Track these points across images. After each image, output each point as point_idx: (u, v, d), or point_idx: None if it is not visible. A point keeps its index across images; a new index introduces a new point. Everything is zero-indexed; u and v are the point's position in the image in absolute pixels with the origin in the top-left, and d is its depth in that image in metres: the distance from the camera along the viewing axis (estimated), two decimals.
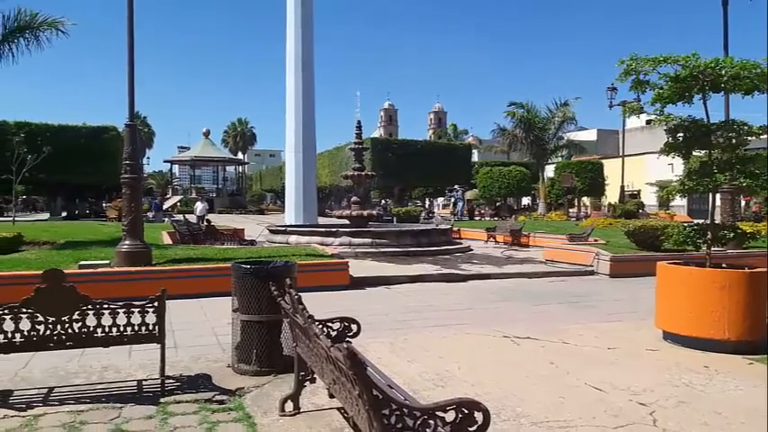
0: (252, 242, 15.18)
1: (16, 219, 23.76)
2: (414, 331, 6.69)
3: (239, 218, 35.41)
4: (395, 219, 28.63)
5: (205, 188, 53.54)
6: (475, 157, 54.67)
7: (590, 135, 60.23)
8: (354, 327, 4.26)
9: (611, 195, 38.47)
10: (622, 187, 33.48)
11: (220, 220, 22.65)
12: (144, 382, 4.54)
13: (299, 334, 3.89)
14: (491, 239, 19.28)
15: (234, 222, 25.16)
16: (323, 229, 16.23)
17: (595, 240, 14.98)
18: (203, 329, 6.71)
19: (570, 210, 36.75)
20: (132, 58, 9.75)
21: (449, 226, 19.44)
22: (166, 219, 26.29)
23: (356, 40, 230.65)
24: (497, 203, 41.22)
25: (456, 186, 36.15)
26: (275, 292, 4.30)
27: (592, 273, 12.02)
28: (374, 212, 18.14)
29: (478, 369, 5.02)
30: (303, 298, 3.72)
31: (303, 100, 19.77)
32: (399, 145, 40.69)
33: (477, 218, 36.21)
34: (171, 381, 4.52)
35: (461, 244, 17.13)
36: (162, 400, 4.16)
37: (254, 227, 22.71)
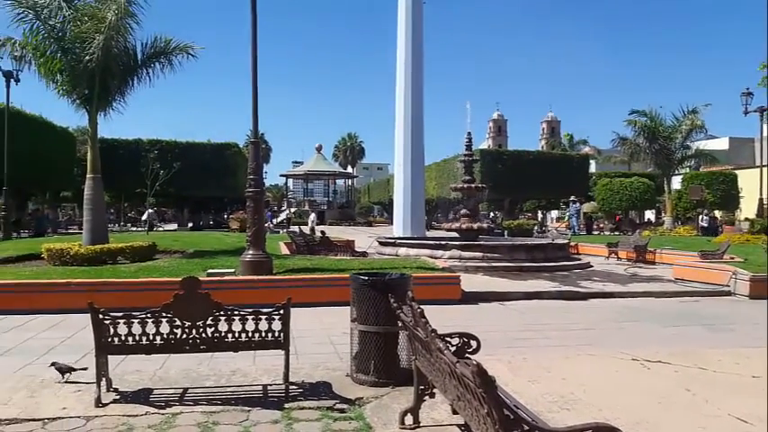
0: (363, 253, 15.46)
1: (148, 229, 25.92)
2: (533, 350, 6.44)
3: (349, 229, 36.31)
4: (506, 232, 27.99)
5: (317, 201, 55.56)
6: (592, 168, 52.24)
7: (721, 144, 55.50)
8: (474, 343, 4.16)
9: (747, 209, 35.09)
10: (761, 200, 30.44)
11: (331, 232, 23.30)
12: (269, 387, 4.72)
13: (419, 347, 3.86)
14: (612, 255, 18.23)
15: (344, 234, 25.81)
16: (432, 242, 16.19)
17: (731, 258, 13.69)
18: (321, 338, 6.88)
19: (701, 224, 33.94)
20: (256, 80, 10.33)
21: (566, 240, 18.64)
22: (281, 230, 27.62)
23: (464, 51, 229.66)
24: (618, 217, 39.05)
25: (573, 198, 34.66)
26: (394, 305, 4.30)
27: (728, 293, 10.99)
28: (485, 225, 17.80)
29: (606, 393, 4.71)
30: None
31: (412, 113, 19.96)
32: (510, 156, 39.74)
33: (595, 232, 34.50)
34: (294, 387, 4.66)
35: (580, 260, 16.35)
36: (286, 405, 4.29)
37: (363, 238, 23.17)
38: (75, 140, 36.89)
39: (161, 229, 33.98)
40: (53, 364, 4.95)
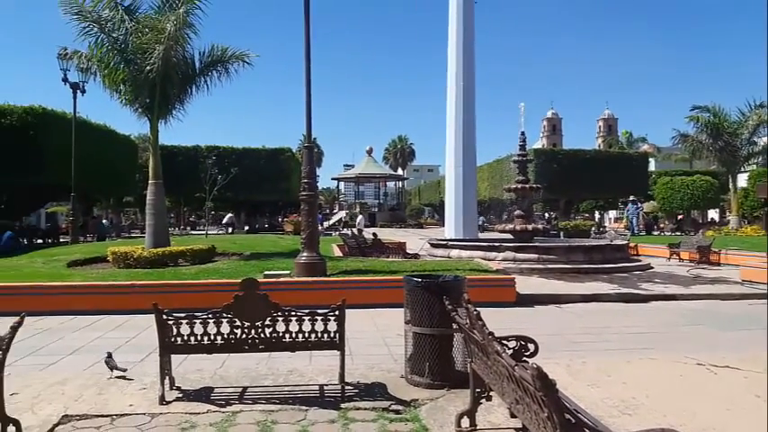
0: (415, 255, 15.45)
1: (207, 232, 26.70)
2: (592, 354, 6.27)
3: (399, 231, 36.34)
4: (562, 234, 27.38)
5: (367, 203, 55.93)
6: (652, 167, 50.44)
7: None
8: (531, 346, 4.09)
9: None
10: None
11: (382, 234, 23.40)
12: (325, 387, 4.78)
13: (476, 350, 3.82)
14: (674, 257, 17.57)
15: (395, 236, 25.87)
16: (485, 244, 16.01)
17: None
18: (375, 339, 6.92)
19: None
20: (309, 86, 10.46)
21: (625, 241, 18.07)
22: (333, 233, 27.87)
23: (516, 50, 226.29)
24: (679, 217, 37.57)
25: (631, 198, 33.54)
26: (449, 307, 4.28)
27: None
28: (540, 227, 17.48)
29: (670, 398, 4.53)
30: None
31: (464, 114, 19.82)
32: (566, 155, 38.77)
33: (655, 232, 33.30)
34: (349, 387, 4.70)
35: (640, 261, 15.83)
36: (342, 405, 4.33)
37: (414, 240, 23.16)
38: (137, 148, 38.43)
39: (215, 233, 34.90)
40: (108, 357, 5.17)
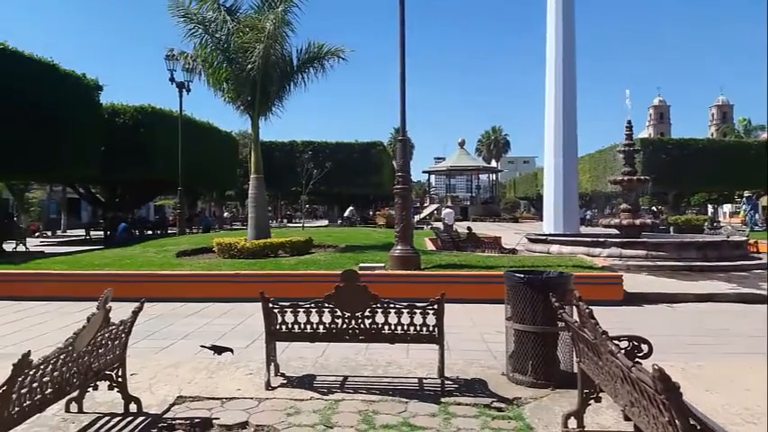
0: (512, 250, 15.07)
1: (304, 225, 27.53)
2: (709, 357, 5.81)
3: (493, 225, 35.69)
4: (671, 228, 25.75)
5: (459, 196, 55.36)
6: None
7: None
8: (645, 347, 3.82)
9: None
10: None
11: (475, 228, 23.04)
12: (424, 381, 4.73)
13: (585, 349, 3.63)
14: None
15: (488, 230, 25.41)
16: (588, 239, 15.32)
17: None
18: (472, 335, 6.79)
19: None
20: (404, 79, 10.44)
21: (744, 238, 16.65)
22: (425, 226, 27.76)
23: (618, 35, 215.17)
24: None
25: (746, 194, 30.90)
26: (556, 304, 4.09)
27: None
28: (648, 221, 16.43)
29: None
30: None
31: (564, 102, 19.02)
32: (675, 144, 36.31)
33: None
34: (449, 382, 4.63)
35: (761, 259, 14.53)
36: (442, 399, 4.27)
37: (510, 235, 22.62)
38: (237, 144, 40.33)
39: (311, 225, 35.94)
40: (213, 347, 5.36)
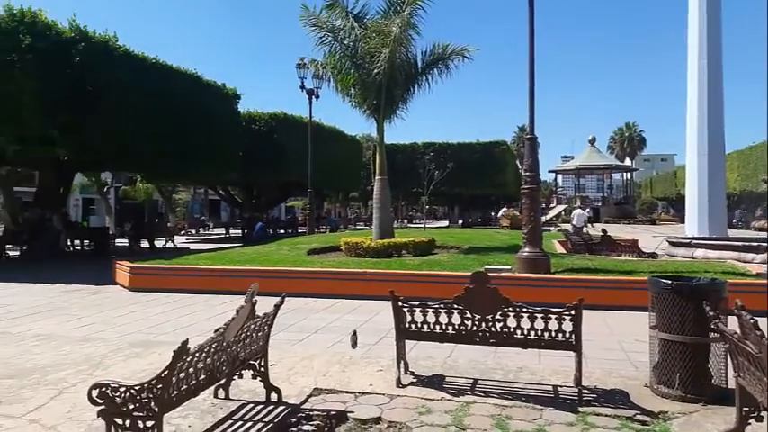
0: (652, 255, 14.07)
1: (426, 225, 27.65)
2: None
3: (627, 228, 33.53)
4: None
5: (589, 197, 52.79)
6: None
7: None
8: None
9: None
10: None
11: (608, 231, 21.76)
12: (559, 388, 4.54)
13: (746, 364, 3.29)
14: None
15: (622, 232, 23.92)
16: (738, 243, 13.92)
17: None
18: (609, 343, 6.41)
19: None
20: (533, 76, 10.12)
21: None
22: (552, 228, 26.71)
23: None
24: None
25: None
26: (710, 313, 3.74)
27: None
28: None
29: None
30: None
31: (708, 94, 17.35)
32: None
33: None
34: (587, 391, 4.41)
35: None
36: (580, 409, 4.07)
37: (647, 238, 21.16)
38: (361, 147, 41.56)
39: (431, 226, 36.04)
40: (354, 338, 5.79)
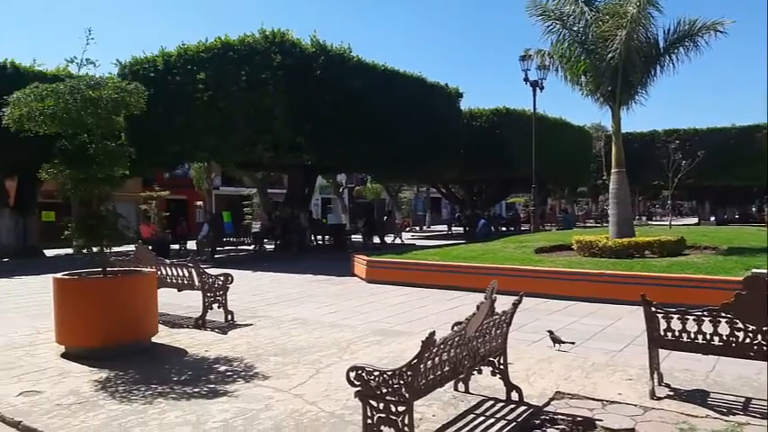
0: None
1: (672, 223, 24.90)
2: None
3: None
4: None
5: None
6: None
7: None
8: None
9: None
10: None
11: None
12: None
13: None
14: None
15: None
16: None
17: None
18: None
19: None
20: None
21: None
22: None
23: None
24: None
25: None
26: None
27: None
28: None
29: None
30: None
31: None
32: None
33: None
34: None
35: None
36: None
37: None
38: (590, 138, 39.10)
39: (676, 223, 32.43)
40: (549, 332, 5.89)
